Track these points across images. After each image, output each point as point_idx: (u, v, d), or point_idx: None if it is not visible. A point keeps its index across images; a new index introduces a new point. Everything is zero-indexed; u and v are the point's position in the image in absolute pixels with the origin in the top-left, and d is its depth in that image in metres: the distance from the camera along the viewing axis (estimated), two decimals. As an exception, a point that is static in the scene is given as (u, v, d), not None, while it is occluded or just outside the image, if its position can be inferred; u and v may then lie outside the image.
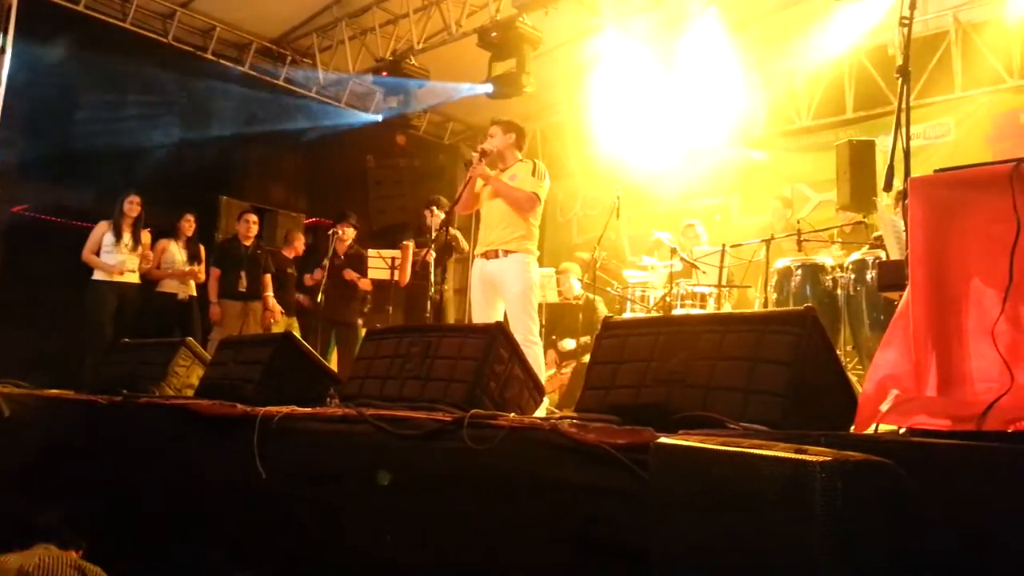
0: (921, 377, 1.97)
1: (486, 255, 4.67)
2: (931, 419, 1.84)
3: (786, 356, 2.06)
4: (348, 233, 7.47)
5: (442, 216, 6.50)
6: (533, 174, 4.71)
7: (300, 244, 8.14)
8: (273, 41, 9.06)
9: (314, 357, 3.69)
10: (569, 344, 7.05)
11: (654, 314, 6.19)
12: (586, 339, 6.88)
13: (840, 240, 5.91)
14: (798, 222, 5.89)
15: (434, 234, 6.24)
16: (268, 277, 7.46)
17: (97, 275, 6.64)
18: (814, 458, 1.28)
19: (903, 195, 2.55)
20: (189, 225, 7.22)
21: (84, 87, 7.47)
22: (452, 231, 6.70)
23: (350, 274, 7.35)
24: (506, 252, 4.60)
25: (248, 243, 7.43)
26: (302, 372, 3.58)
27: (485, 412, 2.41)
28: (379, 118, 9.86)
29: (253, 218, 7.48)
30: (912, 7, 3.16)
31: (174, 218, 7.24)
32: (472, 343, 2.79)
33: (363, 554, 2.53)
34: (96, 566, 2.71)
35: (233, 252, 7.38)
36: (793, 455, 1.31)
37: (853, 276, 4.98)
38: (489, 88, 8.13)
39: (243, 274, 7.24)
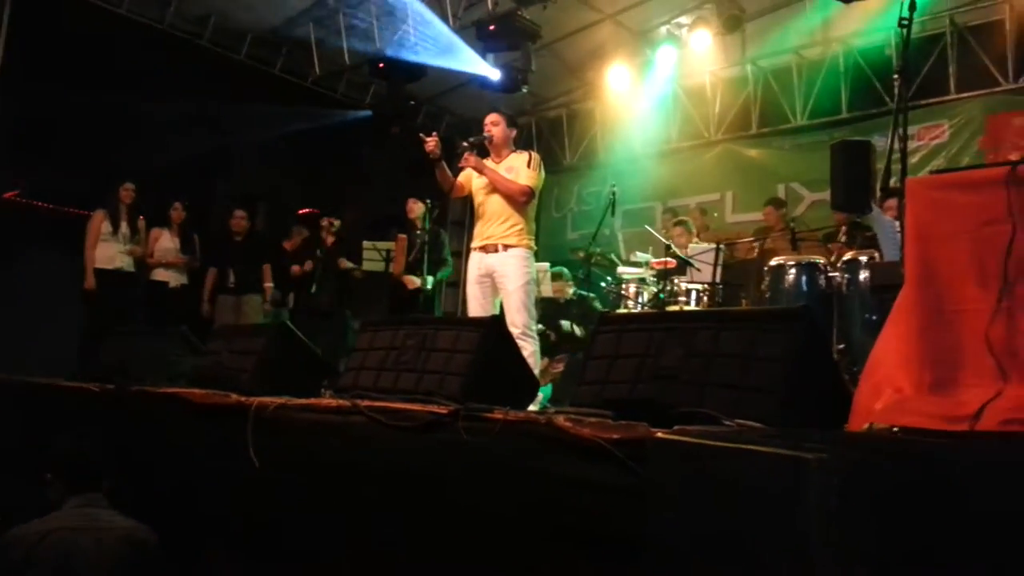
0: (915, 377, 1.98)
1: (484, 248, 4.64)
2: (925, 419, 1.86)
3: (781, 353, 2.07)
4: (336, 224, 7.44)
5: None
6: (529, 166, 4.68)
7: (299, 239, 8.09)
8: (270, 31, 9.01)
9: (309, 348, 3.69)
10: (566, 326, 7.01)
11: (648, 310, 6.20)
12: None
13: (836, 240, 5.91)
14: (792, 221, 5.90)
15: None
16: (267, 267, 7.41)
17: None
18: (811, 455, 1.29)
19: (899, 196, 2.57)
20: (177, 213, 7.20)
21: (77, 73, 7.41)
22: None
23: (344, 263, 7.34)
24: (506, 246, 4.57)
25: (239, 238, 7.43)
26: (297, 363, 3.57)
27: (480, 405, 2.41)
28: (373, 109, 9.84)
29: (240, 213, 7.48)
30: (912, 8, 3.17)
31: (167, 206, 7.22)
32: (468, 336, 2.78)
33: (356, 545, 2.54)
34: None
35: (224, 248, 7.42)
36: (791, 452, 1.32)
37: (847, 276, 4.99)
38: (486, 81, 8.13)
39: (230, 271, 7.30)
